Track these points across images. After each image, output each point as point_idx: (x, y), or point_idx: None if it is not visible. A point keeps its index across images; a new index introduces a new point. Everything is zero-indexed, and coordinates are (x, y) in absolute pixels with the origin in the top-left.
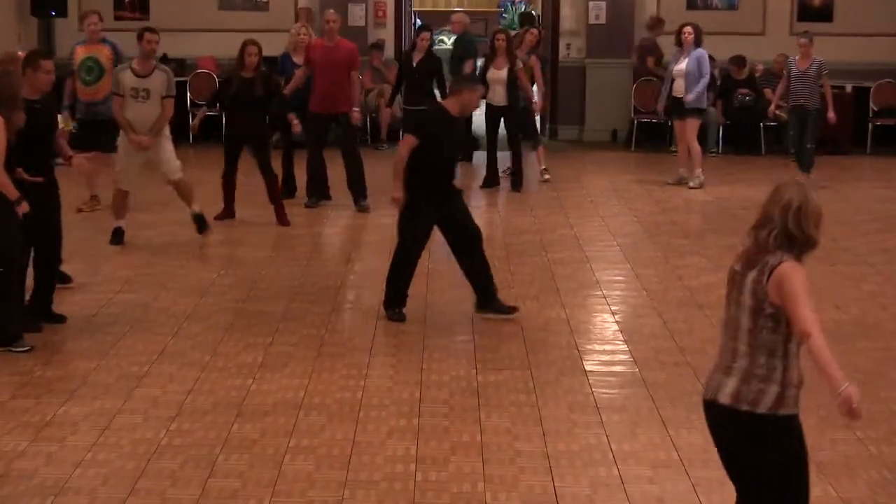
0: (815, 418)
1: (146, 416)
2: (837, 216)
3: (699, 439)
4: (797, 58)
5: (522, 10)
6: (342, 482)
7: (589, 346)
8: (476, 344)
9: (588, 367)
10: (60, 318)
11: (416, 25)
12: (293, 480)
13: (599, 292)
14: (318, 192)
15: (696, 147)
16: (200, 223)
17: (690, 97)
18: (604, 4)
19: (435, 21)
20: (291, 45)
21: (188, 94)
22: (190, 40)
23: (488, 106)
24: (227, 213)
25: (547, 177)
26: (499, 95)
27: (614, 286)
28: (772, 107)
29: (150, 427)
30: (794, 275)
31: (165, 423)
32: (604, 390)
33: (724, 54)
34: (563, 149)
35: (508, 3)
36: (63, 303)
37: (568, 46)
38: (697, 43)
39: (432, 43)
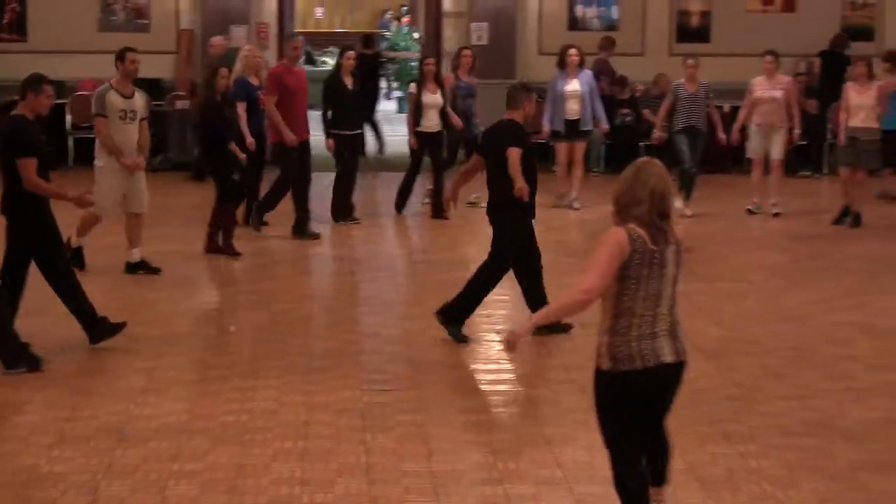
0: (694, 434)
1: (26, 443)
2: (718, 234)
3: (583, 456)
4: (684, 80)
5: (405, 31)
6: None
7: (475, 366)
8: (362, 365)
9: (473, 387)
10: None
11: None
12: None
13: (485, 312)
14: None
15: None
16: (137, 267)
17: (605, 126)
18: (486, 25)
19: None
20: (249, 67)
21: (68, 117)
22: (69, 62)
23: (419, 133)
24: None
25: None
26: (432, 121)
27: (500, 306)
28: (656, 132)
29: (30, 454)
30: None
31: (46, 451)
32: (489, 409)
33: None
34: (453, 170)
35: (388, 24)
36: None
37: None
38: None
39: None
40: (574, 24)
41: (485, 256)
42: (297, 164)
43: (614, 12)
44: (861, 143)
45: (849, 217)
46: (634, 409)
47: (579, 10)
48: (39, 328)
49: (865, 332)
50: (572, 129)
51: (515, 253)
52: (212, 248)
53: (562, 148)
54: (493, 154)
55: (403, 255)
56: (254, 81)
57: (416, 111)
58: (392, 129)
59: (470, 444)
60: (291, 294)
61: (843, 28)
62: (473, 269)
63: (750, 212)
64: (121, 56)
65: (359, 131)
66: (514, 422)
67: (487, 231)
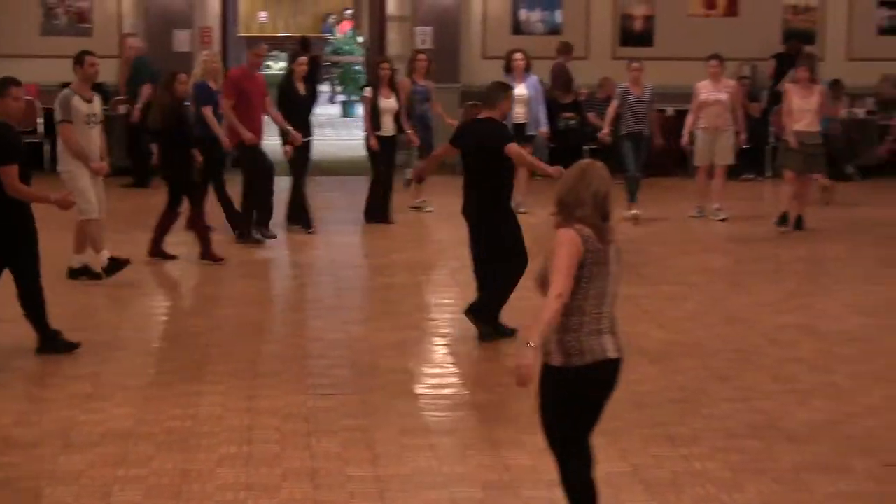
0: (638, 437)
1: None
2: (660, 237)
3: (529, 460)
4: (628, 84)
5: (351, 35)
6: None
7: (419, 370)
8: (306, 369)
9: (418, 391)
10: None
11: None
12: None
13: (429, 316)
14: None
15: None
16: (78, 273)
17: (544, 129)
18: (430, 29)
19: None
20: (208, 73)
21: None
22: (11, 66)
23: (379, 137)
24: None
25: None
26: (387, 126)
27: (444, 310)
28: (604, 131)
29: None
30: None
31: None
32: (434, 413)
33: (548, 78)
34: (397, 174)
35: (331, 28)
36: None
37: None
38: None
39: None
40: (518, 28)
41: (430, 260)
42: (257, 165)
43: (558, 16)
44: (807, 148)
45: (787, 222)
46: (584, 405)
47: (523, 14)
48: None
49: (808, 334)
50: (518, 133)
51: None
52: (155, 251)
53: None
54: (482, 153)
55: (347, 260)
56: (212, 86)
57: (373, 115)
58: (336, 132)
59: (415, 448)
60: (234, 299)
61: (784, 32)
62: (420, 274)
63: (693, 217)
64: (79, 60)
65: (310, 137)
66: (459, 426)
67: (433, 234)
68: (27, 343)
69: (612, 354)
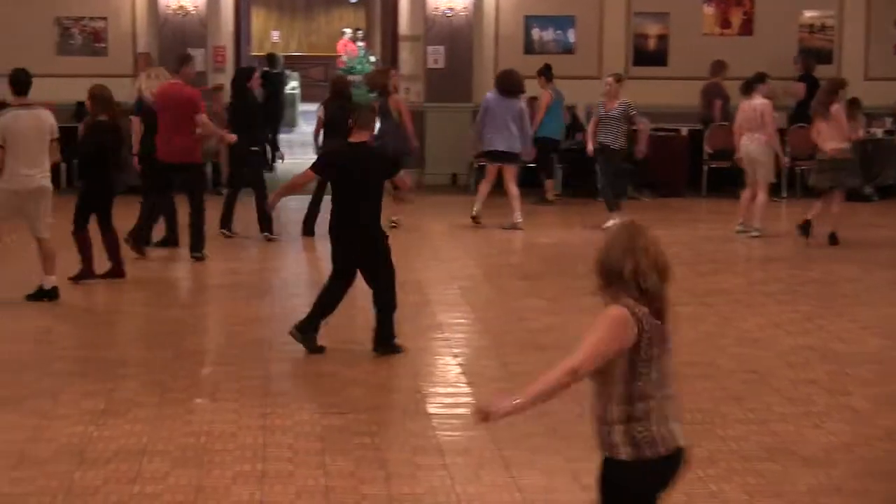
0: None
1: None
2: (674, 258)
3: (542, 480)
4: (604, 100)
5: (362, 55)
6: None
7: (432, 389)
8: (319, 388)
9: (431, 410)
10: None
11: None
12: None
13: (441, 335)
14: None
15: (515, 189)
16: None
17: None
18: (443, 49)
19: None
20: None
21: None
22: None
23: None
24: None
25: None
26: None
27: (456, 329)
28: (589, 147)
29: None
30: None
31: (5, 472)
32: (447, 433)
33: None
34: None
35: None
36: None
37: (407, 90)
38: None
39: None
40: (530, 47)
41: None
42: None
43: (571, 35)
44: (838, 164)
45: (807, 232)
46: (652, 500)
47: (536, 33)
48: None
49: (824, 356)
50: (503, 153)
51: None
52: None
53: (492, 169)
54: (373, 178)
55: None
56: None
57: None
58: None
59: (428, 467)
60: (241, 316)
61: (800, 51)
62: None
63: (738, 233)
64: None
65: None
66: (471, 445)
67: (434, 251)
68: (40, 357)
69: (681, 442)
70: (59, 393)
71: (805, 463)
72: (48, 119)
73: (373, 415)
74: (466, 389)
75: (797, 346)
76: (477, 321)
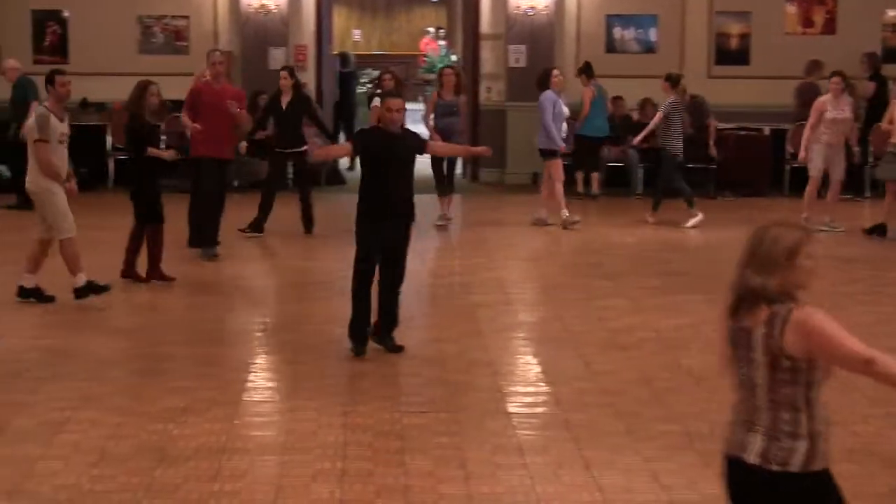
0: None
1: (67, 461)
2: None
3: (621, 480)
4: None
5: (444, 53)
6: None
7: (512, 388)
8: (399, 387)
9: (511, 409)
10: None
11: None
12: None
13: (522, 334)
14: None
15: (559, 188)
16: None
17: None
18: (524, 48)
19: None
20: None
21: (108, 139)
22: (110, 84)
23: None
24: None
25: (442, 223)
26: None
27: (536, 328)
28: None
29: (71, 472)
30: (815, 317)
31: (86, 469)
32: (527, 432)
33: (640, 98)
34: (485, 192)
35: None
36: None
37: (489, 89)
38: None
39: (298, 83)
40: (612, 46)
41: (507, 275)
42: (214, 178)
43: (652, 35)
44: None
45: (880, 233)
46: None
47: (617, 32)
48: (77, 348)
49: None
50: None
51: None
52: (127, 273)
53: (560, 164)
54: (408, 160)
55: (426, 276)
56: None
57: None
58: None
59: (507, 467)
60: (318, 316)
61: (883, 50)
62: (510, 291)
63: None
64: (51, 80)
65: (297, 148)
66: (551, 444)
67: (509, 249)
68: (123, 355)
69: (749, 458)
70: (140, 390)
71: (886, 464)
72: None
73: (452, 414)
74: (546, 389)
75: (879, 348)
76: (557, 320)
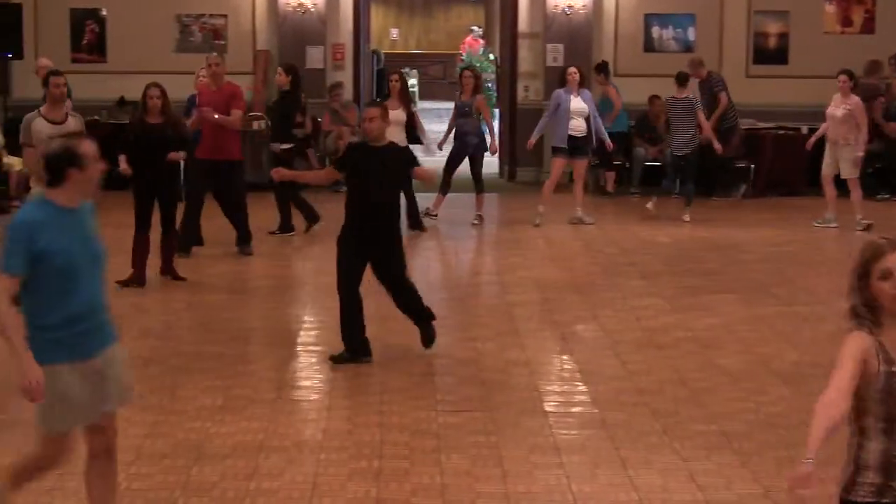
0: (771, 459)
1: None
2: (794, 257)
3: (658, 480)
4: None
5: (481, 52)
6: None
7: (548, 388)
8: (435, 386)
9: (547, 409)
10: None
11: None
12: None
13: (558, 333)
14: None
15: (548, 185)
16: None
17: (610, 143)
18: (562, 47)
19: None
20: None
21: None
22: (147, 82)
23: None
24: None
25: (476, 222)
26: (395, 138)
27: (572, 327)
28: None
29: None
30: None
31: (124, 468)
32: (563, 431)
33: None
34: (522, 191)
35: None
36: None
37: (526, 88)
38: (582, 83)
39: (297, 81)
40: (650, 45)
41: (543, 275)
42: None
43: (691, 34)
44: None
45: None
46: None
47: (656, 31)
48: None
49: None
50: (575, 147)
51: None
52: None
53: (560, 164)
54: (399, 177)
55: (462, 275)
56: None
57: None
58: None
59: (544, 466)
60: None
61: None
62: (546, 291)
63: (816, 226)
64: (45, 82)
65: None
66: (588, 444)
67: (551, 249)
68: (159, 353)
69: None
70: (177, 389)
71: None
72: None
73: (489, 413)
74: (583, 388)
75: None
76: (594, 319)
